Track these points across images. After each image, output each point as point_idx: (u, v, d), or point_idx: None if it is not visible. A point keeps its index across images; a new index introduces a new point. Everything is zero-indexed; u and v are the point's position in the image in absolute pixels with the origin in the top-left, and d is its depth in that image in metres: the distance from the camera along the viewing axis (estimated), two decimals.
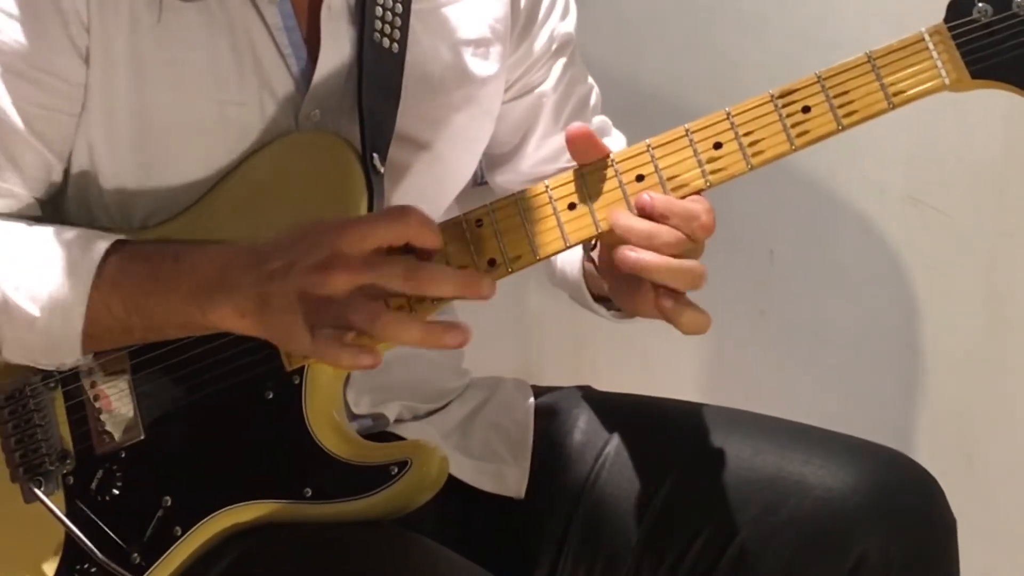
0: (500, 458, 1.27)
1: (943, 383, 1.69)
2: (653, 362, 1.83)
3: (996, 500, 1.68)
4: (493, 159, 1.36)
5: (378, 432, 1.24)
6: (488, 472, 1.26)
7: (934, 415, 1.69)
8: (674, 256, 1.03)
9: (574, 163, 1.29)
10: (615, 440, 1.27)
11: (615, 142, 1.37)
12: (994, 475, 1.68)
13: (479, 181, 1.42)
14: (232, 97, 1.11)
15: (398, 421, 1.25)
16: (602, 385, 1.38)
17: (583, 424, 1.30)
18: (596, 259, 1.16)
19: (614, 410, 1.30)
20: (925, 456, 1.25)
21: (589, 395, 1.34)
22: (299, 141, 1.13)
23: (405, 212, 1.02)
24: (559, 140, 1.32)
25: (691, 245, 1.04)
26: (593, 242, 1.14)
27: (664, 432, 1.26)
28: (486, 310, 1.12)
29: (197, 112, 1.11)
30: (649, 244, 1.03)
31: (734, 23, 1.64)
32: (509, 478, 1.26)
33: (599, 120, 1.37)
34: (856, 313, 1.70)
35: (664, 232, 1.04)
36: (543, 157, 1.34)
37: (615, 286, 1.14)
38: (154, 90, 1.10)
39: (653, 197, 1.05)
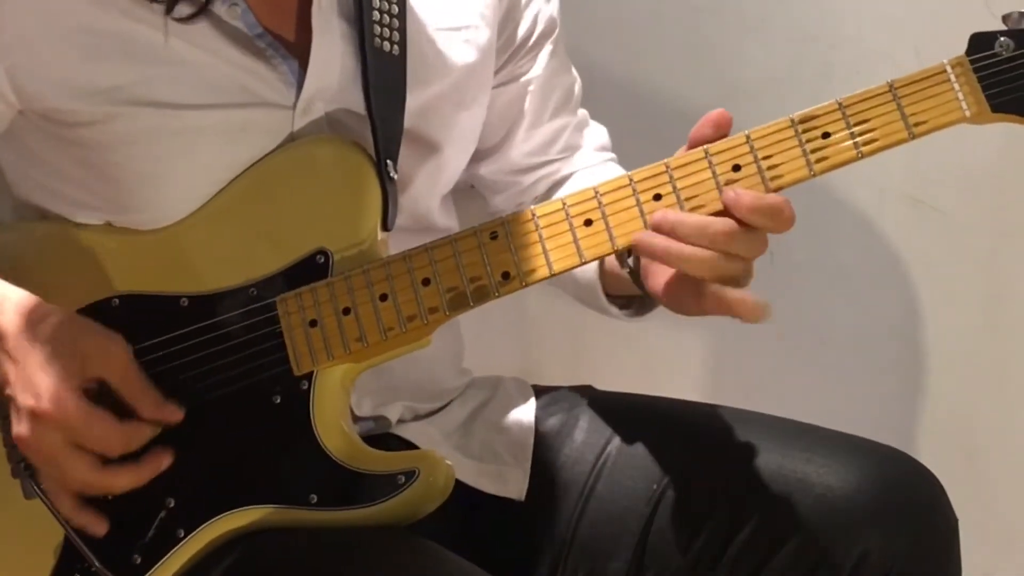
0: (501, 459, 1.27)
1: (943, 383, 1.68)
2: (653, 362, 1.82)
3: (996, 500, 1.68)
4: (479, 151, 1.35)
5: (380, 434, 1.23)
6: (489, 473, 1.26)
7: (934, 414, 1.69)
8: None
9: (563, 156, 1.30)
10: (616, 440, 1.27)
11: (597, 133, 1.37)
12: (994, 475, 1.68)
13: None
14: (224, 100, 1.11)
15: (399, 422, 1.25)
16: (602, 385, 1.37)
17: (584, 424, 1.29)
18: (633, 265, 1.14)
19: (615, 410, 1.30)
20: (925, 455, 1.25)
21: (590, 395, 1.34)
22: (316, 148, 1.13)
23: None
24: (547, 131, 1.32)
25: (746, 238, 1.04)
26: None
27: (665, 432, 1.26)
28: (486, 309, 1.12)
29: (193, 119, 1.11)
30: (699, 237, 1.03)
31: (734, 23, 1.64)
32: (510, 479, 1.26)
33: (582, 113, 1.37)
34: (856, 313, 1.70)
35: (715, 223, 1.03)
36: (531, 149, 1.34)
37: (670, 292, 1.11)
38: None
39: (738, 193, 1.04)
